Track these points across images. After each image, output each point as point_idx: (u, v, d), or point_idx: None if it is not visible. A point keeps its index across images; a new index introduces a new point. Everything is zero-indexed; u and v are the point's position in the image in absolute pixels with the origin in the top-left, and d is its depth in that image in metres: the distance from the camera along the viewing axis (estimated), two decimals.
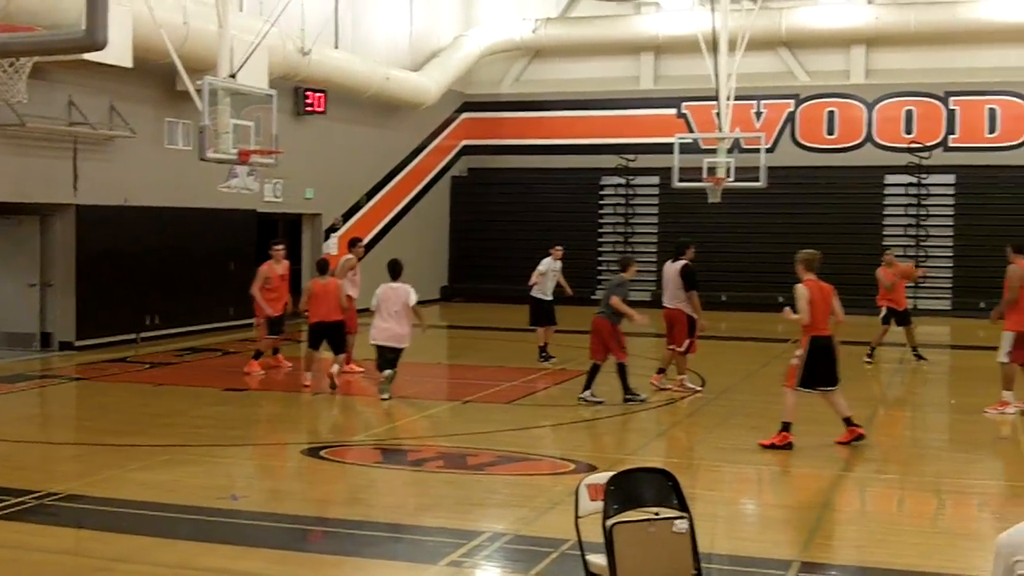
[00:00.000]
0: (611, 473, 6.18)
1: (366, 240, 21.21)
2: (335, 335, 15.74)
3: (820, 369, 12.08)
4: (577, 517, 6.15)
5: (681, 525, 6.05)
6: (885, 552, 8.52)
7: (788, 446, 11.96)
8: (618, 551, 5.86)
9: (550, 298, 19.27)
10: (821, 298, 12.26)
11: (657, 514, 6.11)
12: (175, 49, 16.25)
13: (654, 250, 30.58)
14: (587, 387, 14.69)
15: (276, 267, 17.20)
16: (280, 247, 17.49)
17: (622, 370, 14.66)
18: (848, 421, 12.24)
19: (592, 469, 10.48)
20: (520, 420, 13.75)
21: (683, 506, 6.15)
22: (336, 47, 26.12)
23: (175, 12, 19.21)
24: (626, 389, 14.64)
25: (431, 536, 8.76)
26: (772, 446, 11.99)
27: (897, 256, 29.30)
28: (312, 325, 15.89)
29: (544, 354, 18.78)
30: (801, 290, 12.26)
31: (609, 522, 5.92)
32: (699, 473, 11.33)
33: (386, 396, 14.71)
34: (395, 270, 15.12)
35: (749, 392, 16.54)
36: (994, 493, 10.75)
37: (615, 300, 14.54)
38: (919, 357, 19.43)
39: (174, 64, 15.91)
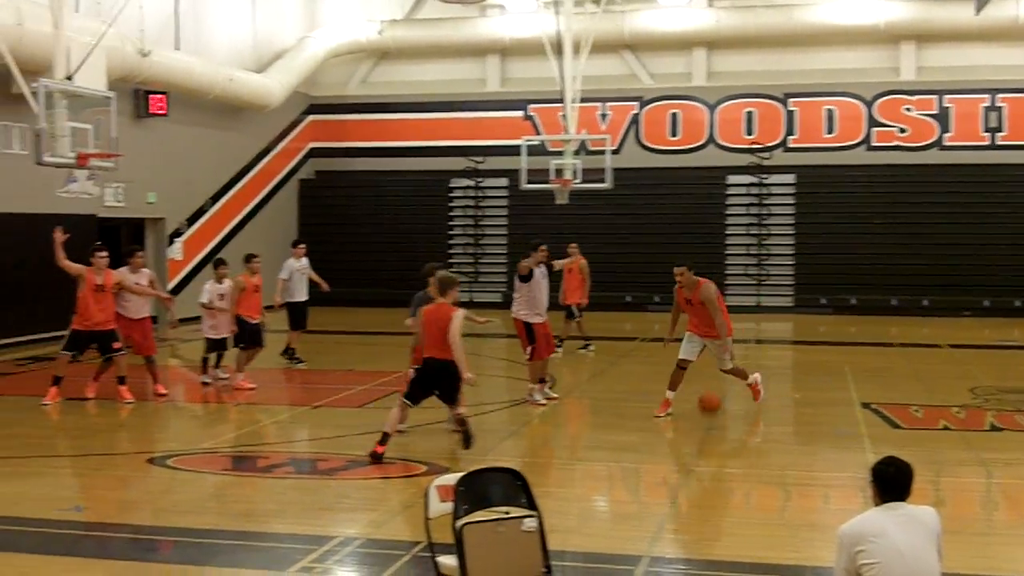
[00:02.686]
0: (461, 474, 6.22)
1: (212, 244, 20.87)
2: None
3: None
4: (427, 519, 6.18)
5: (530, 524, 6.13)
6: (732, 545, 8.75)
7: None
8: (468, 551, 5.91)
9: (305, 299, 19.07)
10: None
11: (507, 513, 6.17)
12: (9, 51, 15.75)
13: (504, 251, 30.80)
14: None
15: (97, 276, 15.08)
16: (103, 254, 15.21)
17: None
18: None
19: (445, 471, 10.51)
20: (372, 424, 13.68)
21: (532, 505, 6.23)
22: (177, 48, 25.62)
23: (9, 12, 18.64)
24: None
25: (282, 542, 8.68)
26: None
27: (739, 254, 30.32)
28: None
29: (292, 355, 18.82)
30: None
31: (459, 523, 5.96)
32: (550, 471, 11.45)
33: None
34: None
35: (597, 391, 16.77)
36: (836, 485, 11.09)
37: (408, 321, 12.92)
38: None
39: (8, 66, 15.43)
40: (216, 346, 16.68)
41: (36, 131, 14.82)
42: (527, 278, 15.06)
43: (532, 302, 15.04)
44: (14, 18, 18.69)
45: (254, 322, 16.50)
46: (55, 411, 14.51)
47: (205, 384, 16.59)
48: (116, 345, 14.93)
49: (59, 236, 14.59)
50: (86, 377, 15.37)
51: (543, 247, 15.47)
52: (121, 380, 15.06)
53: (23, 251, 20.99)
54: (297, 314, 18.92)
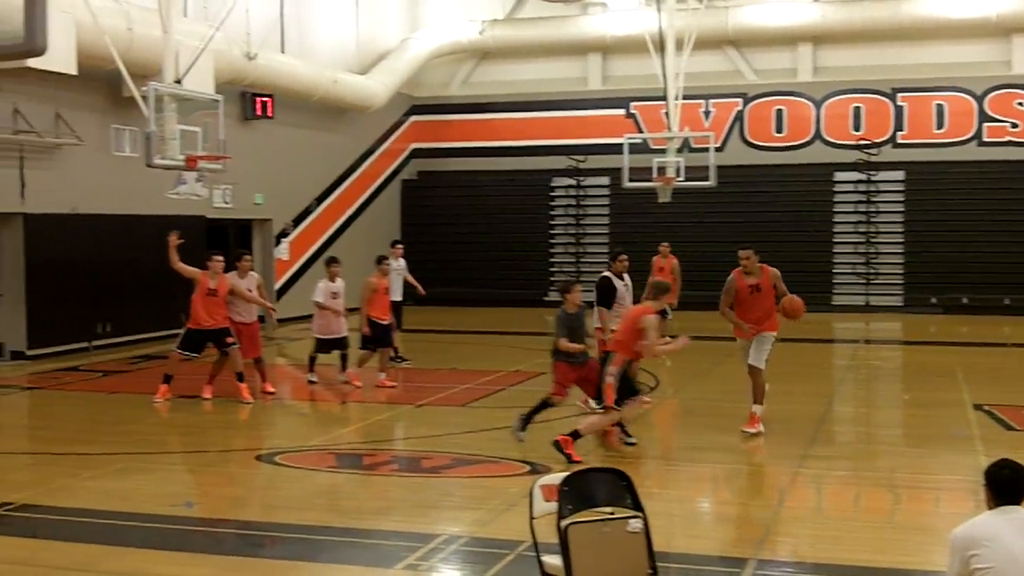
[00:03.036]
0: (565, 474, 6.19)
1: (317, 244, 21.10)
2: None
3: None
4: (532, 518, 6.16)
5: (635, 524, 6.07)
6: (840, 548, 8.59)
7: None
8: (573, 552, 5.87)
9: (400, 299, 18.79)
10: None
11: (612, 514, 6.13)
12: (120, 55, 16.10)
13: (605, 251, 30.67)
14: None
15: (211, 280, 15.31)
16: (219, 259, 15.45)
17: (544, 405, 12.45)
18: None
19: (548, 471, 10.48)
20: (476, 423, 13.73)
21: (637, 505, 6.17)
22: (282, 51, 25.99)
23: (119, 18, 19.05)
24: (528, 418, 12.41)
25: (387, 540, 8.74)
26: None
27: (847, 252, 29.83)
28: None
29: (396, 354, 18.24)
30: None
31: (564, 523, 5.93)
32: (654, 472, 11.37)
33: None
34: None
35: (701, 391, 16.62)
36: (948, 488, 10.86)
37: (560, 342, 12.16)
38: None
39: (119, 71, 15.77)
40: (330, 346, 16.67)
41: (147, 134, 15.15)
42: (611, 291, 14.13)
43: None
44: (124, 23, 19.10)
45: (384, 323, 16.51)
46: (165, 408, 14.80)
47: (311, 383, 16.76)
48: (230, 340, 15.14)
49: (174, 240, 14.82)
50: (199, 375, 15.63)
51: (623, 256, 14.52)
52: (240, 377, 15.22)
53: (136, 252, 21.45)
54: (393, 313, 18.98)
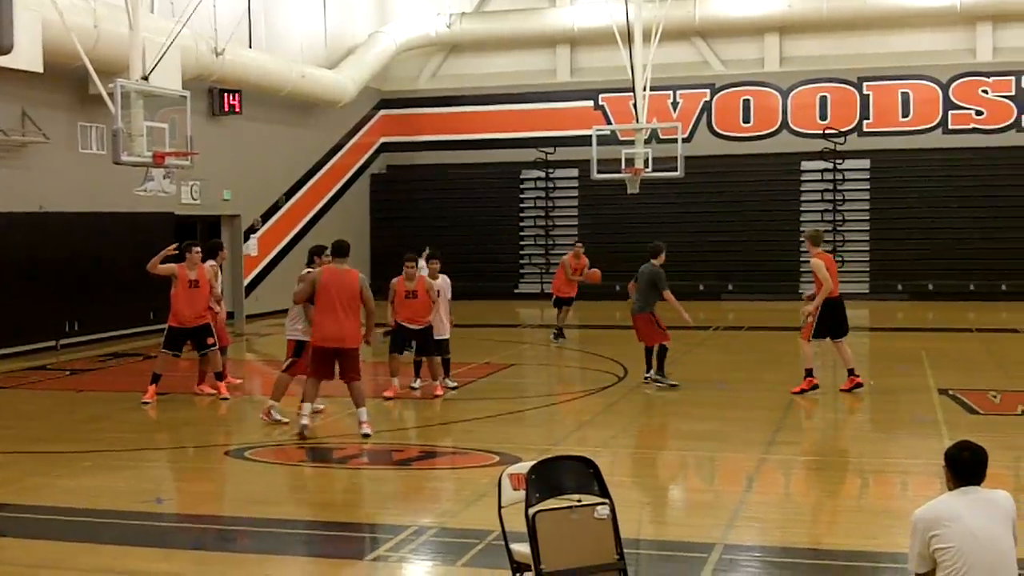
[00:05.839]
0: (532, 462, 6.25)
1: (286, 240, 20.99)
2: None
3: (831, 324, 14.49)
4: (500, 507, 6.21)
5: (603, 511, 6.13)
6: (807, 532, 8.70)
7: (815, 387, 14.41)
8: (541, 539, 5.93)
9: None
10: (832, 265, 14.62)
11: (579, 501, 6.19)
12: (86, 52, 16.03)
13: (574, 242, 30.70)
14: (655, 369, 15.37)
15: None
16: (198, 249, 15.30)
17: (663, 352, 15.25)
18: (851, 372, 14.63)
19: (517, 461, 10.54)
20: (446, 415, 13.78)
21: (604, 492, 6.23)
22: (250, 46, 25.92)
23: (85, 15, 18.97)
24: (659, 369, 15.27)
25: (357, 532, 8.79)
26: (802, 391, 14.35)
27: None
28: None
29: None
30: (817, 263, 14.40)
31: (531, 510, 5.99)
32: (622, 460, 11.45)
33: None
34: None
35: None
36: (914, 472, 10.98)
37: (666, 294, 15.03)
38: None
39: (86, 68, 15.71)
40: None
41: (114, 131, 15.08)
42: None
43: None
44: (91, 20, 19.02)
45: (417, 328, 14.93)
46: (154, 409, 14.62)
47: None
48: (210, 341, 15.08)
49: (170, 251, 14.74)
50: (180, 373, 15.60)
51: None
52: (219, 376, 15.22)
53: (103, 250, 21.39)
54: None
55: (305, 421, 12.26)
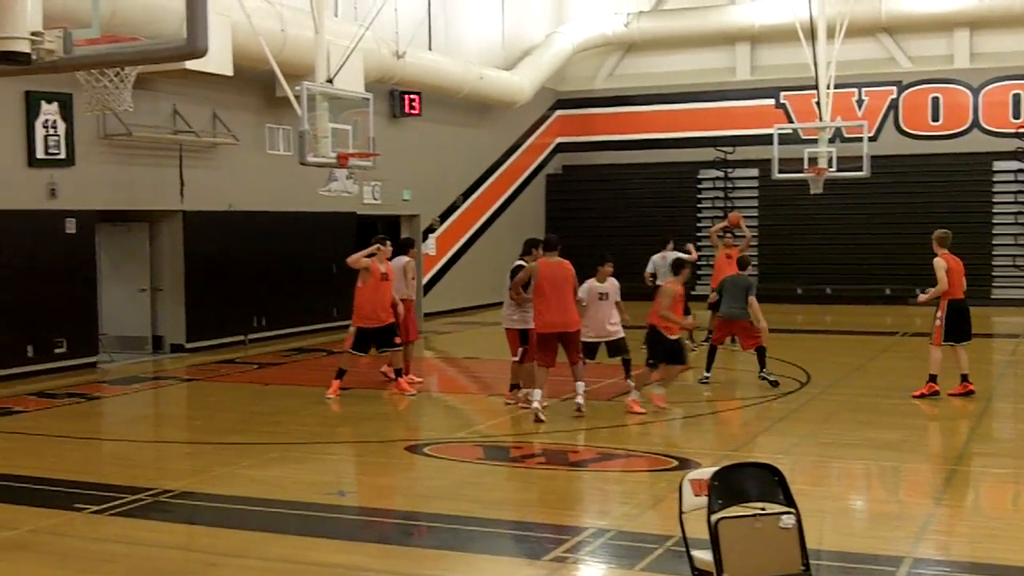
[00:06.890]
0: (715, 468, 6.13)
1: (463, 240, 21.13)
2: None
3: (957, 327, 14.37)
4: (681, 513, 6.10)
5: (788, 520, 5.98)
6: (1001, 548, 8.32)
7: (936, 394, 14.23)
8: (724, 546, 5.81)
9: None
10: (955, 268, 14.47)
11: (763, 509, 6.05)
12: (273, 56, 16.46)
13: (755, 243, 30.24)
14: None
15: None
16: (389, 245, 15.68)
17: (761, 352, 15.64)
18: (964, 377, 14.42)
19: (697, 465, 10.40)
20: (621, 417, 13.68)
21: (789, 501, 6.07)
22: (430, 49, 26.26)
23: (273, 20, 19.49)
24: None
25: (534, 532, 8.76)
26: (923, 395, 14.23)
27: (1007, 244, 28.88)
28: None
29: None
30: (939, 262, 14.44)
31: (714, 517, 5.87)
32: (805, 468, 11.17)
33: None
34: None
35: (855, 387, 16.25)
36: None
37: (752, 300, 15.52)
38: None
39: (273, 71, 16.13)
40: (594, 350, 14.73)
41: (300, 133, 15.42)
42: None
43: None
44: (278, 24, 19.54)
45: (673, 337, 14.20)
46: (337, 404, 14.97)
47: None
48: (397, 340, 15.39)
49: (374, 249, 15.32)
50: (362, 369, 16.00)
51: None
52: (398, 372, 15.58)
53: (289, 247, 21.99)
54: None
55: (537, 405, 13.14)
